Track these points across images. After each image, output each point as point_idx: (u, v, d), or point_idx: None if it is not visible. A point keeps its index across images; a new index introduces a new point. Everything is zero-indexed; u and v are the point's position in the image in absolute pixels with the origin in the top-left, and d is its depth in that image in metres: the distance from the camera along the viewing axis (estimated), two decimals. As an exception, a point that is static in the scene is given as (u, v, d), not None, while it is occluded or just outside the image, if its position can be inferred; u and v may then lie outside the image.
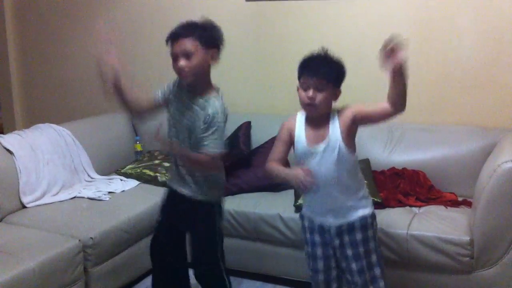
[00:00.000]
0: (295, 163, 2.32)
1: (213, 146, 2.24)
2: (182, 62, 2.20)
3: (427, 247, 2.64)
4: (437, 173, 3.11)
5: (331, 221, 2.28)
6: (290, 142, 2.29)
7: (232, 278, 3.06)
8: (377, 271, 2.31)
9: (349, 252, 2.28)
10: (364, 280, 2.29)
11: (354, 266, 2.28)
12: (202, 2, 3.92)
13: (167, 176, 2.49)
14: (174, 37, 2.22)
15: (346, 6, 3.52)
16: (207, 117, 2.24)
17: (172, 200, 2.50)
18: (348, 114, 2.21)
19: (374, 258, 2.30)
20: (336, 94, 2.22)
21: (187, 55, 2.20)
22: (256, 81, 3.89)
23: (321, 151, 2.20)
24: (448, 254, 2.61)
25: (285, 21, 3.72)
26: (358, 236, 2.27)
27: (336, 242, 2.30)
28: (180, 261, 2.61)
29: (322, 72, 2.16)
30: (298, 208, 2.93)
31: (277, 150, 2.32)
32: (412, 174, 3.10)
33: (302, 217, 2.41)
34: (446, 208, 2.90)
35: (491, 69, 3.25)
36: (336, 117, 2.22)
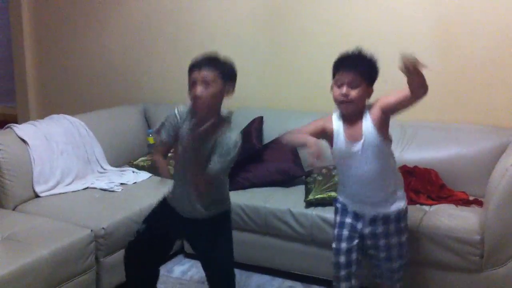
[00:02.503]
0: (335, 163, 2.39)
1: (217, 167, 2.23)
2: (200, 89, 2.21)
3: (437, 245, 2.64)
4: (449, 172, 3.10)
5: (367, 210, 2.34)
6: (321, 133, 2.31)
7: (241, 272, 3.10)
8: (403, 261, 2.41)
9: (382, 242, 2.36)
10: (389, 267, 2.39)
11: (383, 254, 2.37)
12: (217, -2, 3.94)
13: (169, 195, 2.45)
14: (198, 66, 2.25)
15: (361, 2, 3.52)
16: (223, 149, 2.23)
17: (170, 217, 2.42)
18: (375, 109, 2.25)
19: (403, 249, 2.40)
20: (369, 92, 2.26)
21: (206, 83, 2.22)
22: (269, 77, 3.90)
23: (360, 149, 2.25)
24: (458, 253, 2.61)
25: (299, 17, 3.72)
26: (392, 227, 2.35)
27: (367, 229, 2.36)
28: (155, 271, 2.60)
29: (356, 69, 2.20)
30: (308, 204, 2.94)
31: (306, 128, 2.32)
32: (424, 172, 3.09)
33: (335, 201, 2.46)
34: (457, 207, 2.89)
35: (505, 68, 3.23)
36: (368, 114, 2.26)
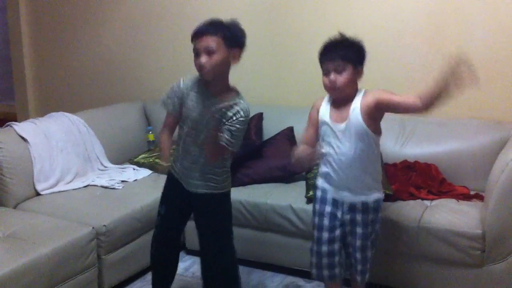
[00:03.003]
0: (320, 144, 2.37)
1: (232, 141, 2.27)
2: (204, 59, 2.21)
3: (438, 240, 2.64)
4: (449, 167, 3.11)
5: (346, 197, 2.35)
6: (318, 124, 2.36)
7: (242, 268, 3.09)
8: (373, 251, 2.44)
9: (359, 230, 2.37)
10: (364, 257, 2.40)
11: (359, 243, 2.38)
12: (216, -7, 3.93)
13: (173, 168, 2.48)
14: (199, 33, 2.24)
15: (360, -2, 3.52)
16: (241, 118, 2.27)
17: (178, 193, 2.48)
18: (370, 98, 2.26)
19: (375, 239, 2.43)
20: (358, 73, 2.27)
21: (209, 52, 2.21)
22: (269, 73, 3.89)
23: (342, 130, 2.27)
24: (459, 248, 2.61)
25: (298, 13, 3.71)
26: (370, 216, 2.37)
27: (347, 217, 2.38)
28: (177, 252, 2.66)
29: (339, 54, 2.23)
30: (309, 200, 2.94)
31: (306, 134, 2.42)
32: (424, 167, 3.09)
33: (315, 187, 2.46)
34: (458, 201, 2.89)
35: (504, 63, 3.23)
36: (360, 97, 2.27)
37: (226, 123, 2.26)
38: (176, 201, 2.51)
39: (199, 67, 2.24)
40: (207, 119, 2.27)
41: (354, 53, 2.26)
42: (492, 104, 3.28)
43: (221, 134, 2.24)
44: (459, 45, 3.29)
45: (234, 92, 2.35)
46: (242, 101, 2.31)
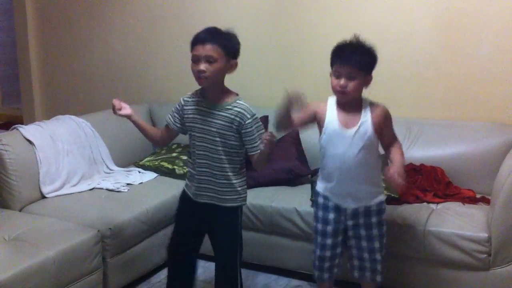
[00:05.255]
0: (320, 145, 2.38)
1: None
2: (203, 66, 2.24)
3: (444, 243, 2.64)
4: (455, 170, 3.09)
5: (349, 204, 2.36)
6: (311, 119, 2.38)
7: (247, 271, 3.10)
8: (382, 253, 2.44)
9: (363, 232, 2.39)
10: (373, 257, 2.41)
11: (365, 244, 2.40)
12: (221, -4, 3.93)
13: (187, 184, 2.50)
14: (200, 41, 2.26)
15: (368, 0, 3.51)
16: (250, 120, 2.31)
17: (192, 208, 2.48)
18: (381, 112, 2.31)
19: (383, 241, 2.43)
20: (367, 80, 2.28)
21: (210, 60, 2.24)
22: (275, 76, 3.89)
23: (352, 134, 2.28)
24: (465, 251, 2.60)
25: (305, 15, 3.71)
26: (374, 219, 2.38)
27: (350, 222, 2.39)
28: (195, 260, 2.66)
29: (354, 61, 2.23)
30: (314, 203, 2.94)
31: (296, 115, 2.37)
32: (430, 170, 3.08)
33: (317, 194, 2.46)
34: (464, 204, 2.89)
35: (510, 64, 3.21)
36: (368, 108, 2.30)
37: (242, 132, 2.31)
38: (188, 220, 2.52)
39: (198, 73, 2.27)
40: (211, 128, 2.32)
41: (368, 61, 2.27)
42: (498, 106, 3.27)
43: (256, 145, 2.31)
44: (466, 47, 3.29)
45: (234, 94, 2.38)
46: (242, 102, 2.34)
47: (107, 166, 3.55)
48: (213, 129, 2.32)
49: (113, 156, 3.62)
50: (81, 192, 3.21)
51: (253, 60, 3.79)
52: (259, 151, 2.31)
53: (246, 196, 2.47)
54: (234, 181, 2.39)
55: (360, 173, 2.32)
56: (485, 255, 2.57)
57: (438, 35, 3.34)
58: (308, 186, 3.13)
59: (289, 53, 3.82)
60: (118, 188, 3.23)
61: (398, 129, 3.24)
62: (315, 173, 3.18)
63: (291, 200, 3.03)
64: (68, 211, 2.93)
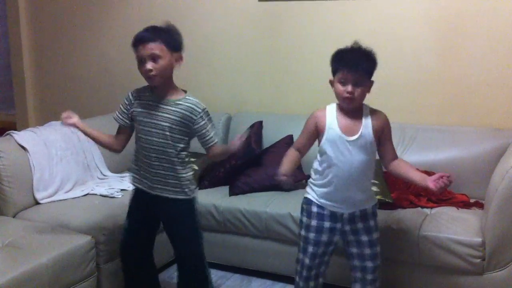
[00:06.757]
0: (320, 151, 2.36)
1: (216, 135, 2.43)
2: (150, 65, 2.29)
3: (438, 248, 2.64)
4: (449, 174, 3.10)
5: (344, 209, 2.35)
6: (315, 134, 2.36)
7: (242, 277, 3.10)
8: (380, 259, 2.44)
9: (364, 238, 2.37)
10: (375, 265, 2.39)
11: (368, 251, 2.38)
12: (214, 2, 3.94)
13: (134, 180, 2.55)
14: (141, 41, 2.30)
15: (359, 5, 3.52)
16: (201, 113, 2.37)
17: (143, 203, 2.53)
18: (382, 119, 2.32)
19: (379, 246, 2.42)
20: (370, 85, 2.29)
21: (154, 58, 2.29)
22: (269, 81, 3.89)
23: (353, 141, 2.27)
24: (460, 256, 2.61)
25: (298, 21, 3.72)
26: (371, 222, 2.38)
27: (347, 227, 2.37)
28: (150, 261, 2.69)
29: (362, 68, 2.22)
30: (305, 211, 2.94)
31: (299, 140, 2.43)
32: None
33: (309, 202, 2.42)
34: (458, 209, 2.90)
35: (504, 70, 3.23)
36: (369, 116, 2.30)
37: (195, 127, 2.37)
38: (141, 210, 2.57)
39: (146, 73, 2.31)
40: (157, 123, 2.37)
41: (373, 67, 2.28)
42: (491, 111, 3.29)
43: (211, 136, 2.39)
44: (461, 53, 3.30)
45: (182, 91, 2.43)
46: (191, 98, 2.39)
47: (101, 172, 3.54)
48: (161, 123, 2.37)
49: (107, 162, 3.61)
50: (75, 198, 3.20)
51: (247, 67, 3.79)
52: (215, 141, 2.40)
53: (195, 189, 2.51)
54: (183, 174, 2.44)
55: (359, 179, 2.31)
56: (479, 260, 2.58)
57: (432, 41, 3.36)
58: (302, 191, 3.12)
59: (282, 59, 3.82)
60: (112, 194, 3.22)
61: (392, 134, 3.26)
62: (309, 178, 3.18)
63: (286, 206, 3.03)
64: (62, 217, 2.92)
